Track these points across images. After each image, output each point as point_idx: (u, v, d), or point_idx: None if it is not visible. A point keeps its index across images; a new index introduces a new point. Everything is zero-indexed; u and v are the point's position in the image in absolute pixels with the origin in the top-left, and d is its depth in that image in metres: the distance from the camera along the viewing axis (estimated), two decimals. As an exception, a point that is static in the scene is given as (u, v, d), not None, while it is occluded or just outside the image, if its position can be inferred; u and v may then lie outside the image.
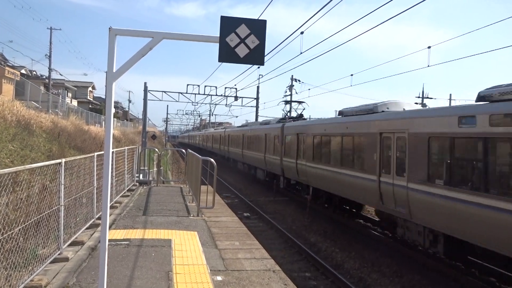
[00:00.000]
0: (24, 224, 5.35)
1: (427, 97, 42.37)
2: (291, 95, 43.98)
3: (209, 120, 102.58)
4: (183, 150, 22.18)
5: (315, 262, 10.98)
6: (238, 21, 4.44)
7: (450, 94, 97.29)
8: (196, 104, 54.12)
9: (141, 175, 17.63)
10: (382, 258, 11.46)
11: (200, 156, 12.28)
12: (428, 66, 19.15)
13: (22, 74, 42.23)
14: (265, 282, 6.27)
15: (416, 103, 19.01)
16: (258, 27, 4.47)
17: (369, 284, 9.76)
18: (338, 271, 10.19)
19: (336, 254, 11.97)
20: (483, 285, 9.04)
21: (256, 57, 4.49)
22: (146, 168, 19.18)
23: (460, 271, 9.87)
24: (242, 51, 4.43)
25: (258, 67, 28.72)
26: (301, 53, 18.08)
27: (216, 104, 55.88)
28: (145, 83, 36.16)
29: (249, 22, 4.46)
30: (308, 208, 17.38)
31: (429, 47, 18.40)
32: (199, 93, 36.08)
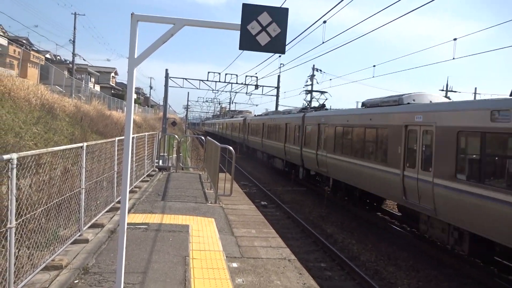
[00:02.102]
0: (46, 205, 5.49)
1: (451, 90, 41.43)
2: (312, 84, 43.60)
3: (229, 108, 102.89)
4: (202, 138, 22.31)
5: (331, 253, 10.96)
6: (260, 9, 4.38)
7: (475, 88, 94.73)
8: (217, 91, 54.24)
9: (160, 161, 17.84)
10: (399, 252, 11.36)
11: (219, 144, 12.34)
12: (454, 58, 18.68)
13: (46, 59, 43.01)
14: (280, 270, 6.30)
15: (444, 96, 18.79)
16: (280, 15, 4.42)
17: (384, 277, 9.70)
18: (353, 263, 10.16)
19: (353, 246, 11.92)
20: (502, 283, 8.88)
21: (277, 45, 4.44)
22: (165, 154, 19.38)
23: (477, 268, 9.72)
24: (263, 39, 4.38)
25: (279, 56, 28.56)
26: (323, 42, 17.86)
27: (236, 92, 56.09)
28: (166, 70, 36.35)
29: (271, 10, 4.41)
30: (326, 199, 17.32)
31: (455, 39, 17.92)
32: (219, 81, 36.11)
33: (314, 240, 12.23)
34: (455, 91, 43.29)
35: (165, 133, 25.18)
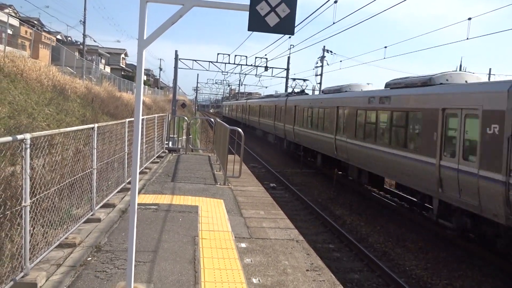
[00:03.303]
0: (59, 185, 5.60)
1: (465, 71, 40.79)
2: (322, 66, 43.19)
3: (239, 90, 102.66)
4: (212, 119, 22.37)
5: (339, 235, 11.05)
6: (269, -11, 4.34)
7: (490, 69, 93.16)
8: (226, 73, 54.06)
9: (170, 143, 17.97)
10: (407, 234, 11.42)
11: (228, 126, 12.37)
12: (467, 38, 18.34)
13: (57, 40, 43.11)
14: (288, 251, 6.38)
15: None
16: (289, -5, 4.37)
17: (393, 258, 9.78)
18: (362, 244, 10.24)
19: (361, 228, 12.00)
20: None
21: (286, 26, 4.41)
22: (175, 136, 19.50)
23: (486, 250, 9.73)
24: (272, 20, 4.35)
25: (289, 37, 28.42)
26: (333, 23, 17.64)
27: (246, 74, 55.71)
28: (176, 51, 36.26)
29: (280, -10, 4.36)
30: (334, 181, 17.36)
31: (469, 19, 17.57)
32: (229, 63, 35.95)
33: (323, 221, 12.32)
34: (469, 72, 42.58)
35: (174, 115, 25.28)
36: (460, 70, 41.34)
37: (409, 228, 11.87)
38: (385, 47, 26.85)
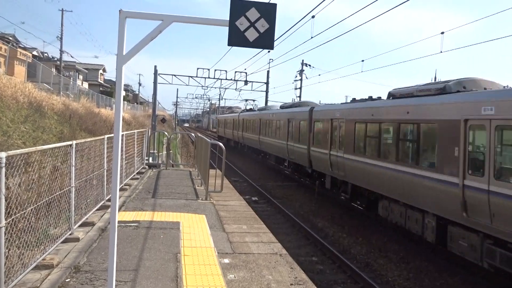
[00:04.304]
0: (36, 204, 5.46)
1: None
2: (301, 80, 43.70)
3: (219, 104, 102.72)
4: (192, 134, 22.28)
5: (322, 247, 11.05)
6: (248, 5, 4.40)
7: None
8: (206, 88, 54.02)
9: (150, 158, 17.78)
10: (389, 244, 11.49)
11: (209, 140, 12.32)
12: (441, 52, 18.82)
13: (34, 56, 42.44)
14: (271, 265, 6.35)
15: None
16: (268, 11, 4.43)
17: (375, 269, 9.82)
18: (344, 256, 10.25)
19: (343, 239, 12.03)
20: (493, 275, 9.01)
21: (265, 41, 4.46)
22: (155, 151, 19.32)
23: (468, 260, 9.85)
24: (251, 35, 4.40)
25: (268, 52, 28.67)
26: (312, 37, 17.91)
27: (226, 88, 55.76)
28: (155, 66, 36.10)
29: (259, 6, 4.42)
30: (316, 193, 17.42)
31: (442, 33, 18.02)
32: (209, 77, 36.04)
33: (305, 234, 12.31)
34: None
35: (154, 130, 25.08)
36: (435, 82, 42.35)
37: (391, 238, 11.97)
38: (362, 60, 27.31)
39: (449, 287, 8.91)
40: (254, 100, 46.16)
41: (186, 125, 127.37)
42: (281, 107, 25.77)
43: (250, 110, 38.44)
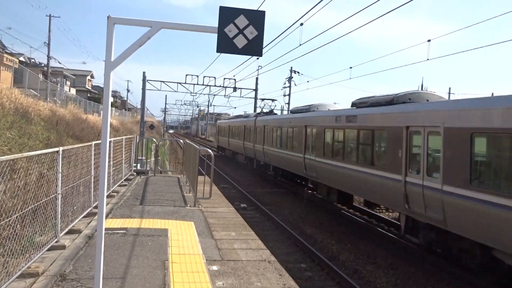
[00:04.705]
0: (22, 211, 5.38)
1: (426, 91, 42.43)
2: (290, 86, 43.95)
3: (208, 110, 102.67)
4: (181, 141, 22.20)
5: (310, 254, 11.05)
6: (237, 12, 4.43)
7: (450, 88, 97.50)
8: (195, 94, 54.02)
9: (138, 165, 17.66)
10: (377, 250, 11.55)
11: (197, 146, 12.30)
12: (428, 59, 19.13)
13: (20, 62, 41.97)
14: (260, 272, 6.33)
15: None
16: (256, 18, 4.47)
17: (364, 275, 9.84)
18: (333, 263, 10.26)
19: (332, 246, 12.05)
20: (478, 281, 9.11)
21: (254, 48, 4.49)
22: (143, 158, 19.20)
23: (455, 264, 9.95)
24: (240, 42, 4.43)
25: (257, 58, 28.89)
26: (300, 44, 18.04)
27: (214, 95, 55.78)
28: (143, 73, 35.99)
29: (248, 13, 4.45)
30: (305, 200, 17.45)
31: (428, 41, 18.34)
32: (197, 84, 36.01)
33: (294, 241, 12.31)
34: (431, 92, 44.37)
35: (143, 137, 24.94)
36: (421, 89, 42.96)
37: (379, 244, 12.03)
38: (350, 67, 27.76)
39: (437, 292, 8.96)
40: (273, 100, 35.23)
41: (171, 131, 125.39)
42: (292, 111, 22.26)
43: (269, 113, 29.34)
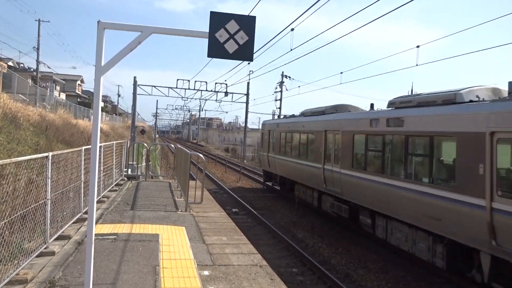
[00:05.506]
0: (10, 217, 5.32)
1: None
2: (281, 91, 44.10)
3: (199, 115, 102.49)
4: (172, 145, 22.12)
5: (302, 258, 11.06)
6: (227, 17, 4.46)
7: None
8: (186, 99, 53.94)
9: (129, 170, 17.55)
10: (368, 254, 11.59)
11: (188, 151, 12.27)
12: (417, 65, 19.35)
13: (9, 67, 41.59)
14: (251, 277, 6.32)
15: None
16: (247, 23, 4.50)
17: (355, 279, 9.87)
18: (324, 267, 10.28)
19: (323, 250, 12.06)
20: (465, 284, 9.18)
21: (245, 53, 4.52)
22: (134, 163, 19.09)
23: (445, 270, 10.02)
24: (231, 47, 4.45)
25: (248, 63, 28.91)
26: (291, 49, 18.17)
27: (206, 100, 55.71)
28: (134, 78, 35.88)
29: (238, 18, 4.49)
30: (296, 204, 17.47)
31: (418, 47, 18.53)
32: (189, 88, 36.00)
33: (286, 245, 12.30)
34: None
35: (133, 142, 24.81)
36: (412, 93, 43.26)
37: (370, 249, 12.07)
38: (341, 72, 27.92)
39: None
40: None
41: (156, 135, 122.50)
42: (304, 113, 18.77)
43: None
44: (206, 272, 6.35)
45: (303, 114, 18.73)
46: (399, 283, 9.62)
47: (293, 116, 20.49)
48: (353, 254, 11.68)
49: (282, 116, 31.20)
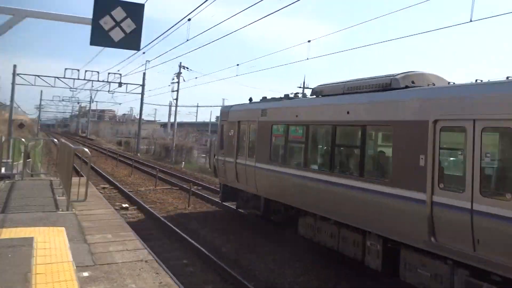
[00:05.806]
0: None
1: (308, 87, 45.28)
2: (178, 82, 43.44)
3: (90, 107, 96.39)
4: (56, 140, 20.57)
5: (193, 248, 11.13)
6: (114, 3, 4.27)
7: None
8: (75, 90, 50.23)
9: (3, 169, 15.89)
10: (258, 239, 12.08)
11: (72, 146, 11.52)
12: (307, 59, 20.46)
13: None
14: (136, 273, 6.21)
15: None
16: (135, 10, 4.36)
17: (244, 265, 10.22)
18: (215, 255, 10.47)
19: (215, 239, 12.28)
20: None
21: (132, 41, 4.39)
22: (9, 160, 17.35)
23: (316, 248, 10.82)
24: (117, 35, 4.29)
25: (144, 53, 27.96)
26: (187, 40, 18.05)
27: (97, 90, 52.60)
28: (14, 66, 32.75)
29: (125, 5, 4.33)
30: (190, 195, 17.48)
31: (309, 41, 19.55)
32: (78, 78, 33.84)
33: (178, 238, 12.26)
34: (311, 88, 47.39)
35: (10, 137, 22.53)
36: (303, 86, 45.58)
37: (261, 235, 12.60)
38: (238, 64, 28.61)
39: (310, 274, 9.67)
40: None
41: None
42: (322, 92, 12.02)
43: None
44: (85, 274, 6.07)
45: (320, 92, 10.92)
46: (285, 264, 10.17)
47: (296, 97, 12.93)
48: (243, 241, 12.07)
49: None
